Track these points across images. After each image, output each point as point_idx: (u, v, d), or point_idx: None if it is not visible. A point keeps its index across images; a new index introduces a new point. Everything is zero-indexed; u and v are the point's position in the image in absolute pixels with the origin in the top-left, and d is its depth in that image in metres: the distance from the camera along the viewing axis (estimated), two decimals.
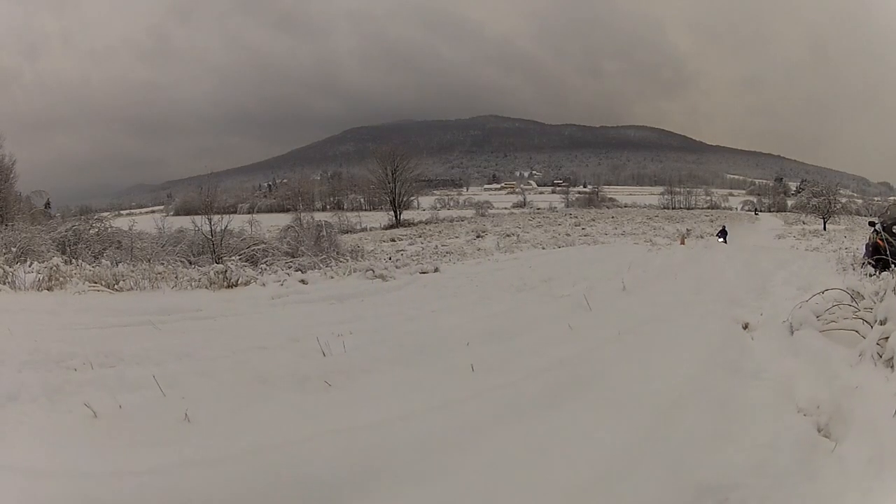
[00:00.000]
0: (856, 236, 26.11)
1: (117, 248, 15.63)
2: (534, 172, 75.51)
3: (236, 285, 9.26)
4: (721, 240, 28.75)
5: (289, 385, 3.09)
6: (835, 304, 4.38)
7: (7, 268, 8.84)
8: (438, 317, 6.01)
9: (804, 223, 41.17)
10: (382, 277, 10.11)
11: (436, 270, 11.74)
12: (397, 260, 16.75)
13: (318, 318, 6.21)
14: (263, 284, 9.34)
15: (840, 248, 18.92)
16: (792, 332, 4.28)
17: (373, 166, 56.32)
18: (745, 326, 5.18)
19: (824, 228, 37.56)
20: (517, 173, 75.75)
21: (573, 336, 4.69)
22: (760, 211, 60.00)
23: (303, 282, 9.68)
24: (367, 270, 10.40)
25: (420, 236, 35.37)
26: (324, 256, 15.07)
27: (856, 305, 4.21)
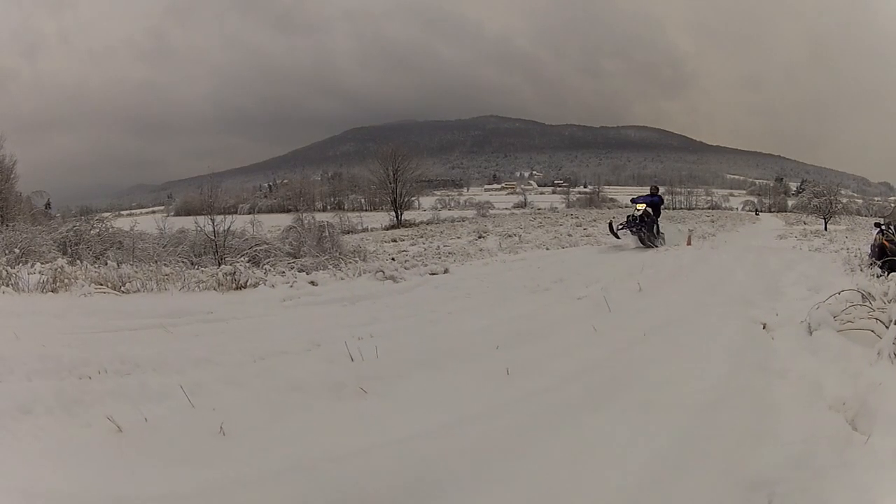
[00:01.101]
0: (857, 236, 25.99)
1: (118, 248, 15.55)
2: (534, 173, 75.22)
3: (245, 287, 9.11)
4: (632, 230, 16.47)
5: (323, 393, 2.96)
6: (849, 304, 4.48)
7: (10, 269, 8.69)
8: (459, 319, 5.94)
9: (805, 223, 41.09)
10: (393, 279, 10.01)
11: (445, 272, 11.63)
12: (405, 261, 16.60)
13: (333, 320, 6.13)
14: (273, 286, 9.19)
15: (842, 249, 18.82)
16: (811, 332, 4.33)
17: (374, 167, 56.02)
18: (765, 326, 5.21)
19: (825, 229, 37.48)
20: (518, 173, 75.46)
21: (599, 338, 4.68)
22: (761, 211, 59.92)
23: (312, 283, 9.56)
24: (376, 272, 10.28)
25: (422, 237, 35.17)
26: (326, 257, 14.99)
27: (870, 306, 4.32)
